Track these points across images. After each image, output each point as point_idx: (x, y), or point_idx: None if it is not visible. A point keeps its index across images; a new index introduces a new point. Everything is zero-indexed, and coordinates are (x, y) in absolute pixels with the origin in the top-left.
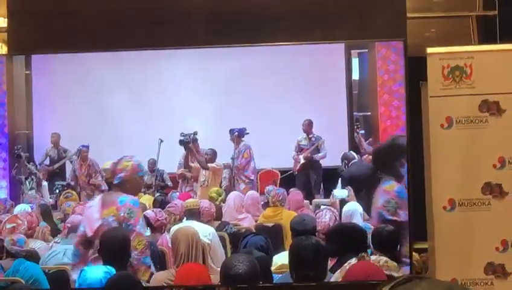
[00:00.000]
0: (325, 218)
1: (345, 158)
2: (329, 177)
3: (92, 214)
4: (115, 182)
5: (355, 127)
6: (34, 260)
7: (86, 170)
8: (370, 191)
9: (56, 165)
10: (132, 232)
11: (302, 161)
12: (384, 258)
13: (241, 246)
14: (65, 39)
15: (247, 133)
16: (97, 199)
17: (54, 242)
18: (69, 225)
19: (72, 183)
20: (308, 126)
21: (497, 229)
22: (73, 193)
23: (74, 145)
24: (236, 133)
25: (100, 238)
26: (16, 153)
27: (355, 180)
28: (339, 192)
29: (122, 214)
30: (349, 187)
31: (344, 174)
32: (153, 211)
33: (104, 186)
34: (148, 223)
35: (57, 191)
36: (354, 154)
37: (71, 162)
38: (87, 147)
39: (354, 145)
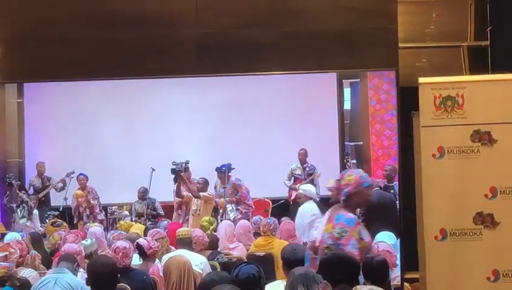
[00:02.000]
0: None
1: None
2: (323, 207)
3: (321, 225)
4: (342, 198)
5: (345, 160)
6: (25, 289)
7: (85, 197)
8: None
9: (41, 194)
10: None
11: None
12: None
13: (233, 275)
14: (57, 68)
15: (233, 169)
16: (328, 211)
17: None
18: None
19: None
20: (303, 155)
21: (489, 259)
22: (63, 221)
23: (65, 173)
24: (225, 169)
25: (87, 267)
26: (8, 181)
27: (375, 208)
28: None
29: (334, 233)
30: None
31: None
32: (145, 239)
33: (101, 216)
34: (142, 251)
35: (47, 220)
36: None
37: (56, 189)
38: (85, 175)
39: None
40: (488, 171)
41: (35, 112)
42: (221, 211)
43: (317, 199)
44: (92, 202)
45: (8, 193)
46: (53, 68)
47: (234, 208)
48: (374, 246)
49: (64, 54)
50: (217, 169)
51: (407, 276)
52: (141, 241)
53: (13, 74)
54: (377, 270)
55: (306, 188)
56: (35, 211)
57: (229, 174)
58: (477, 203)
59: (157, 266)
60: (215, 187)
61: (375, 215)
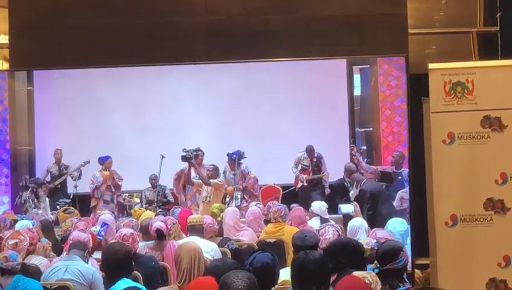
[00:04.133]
0: (328, 235)
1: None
2: (332, 192)
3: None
4: None
5: (350, 148)
6: (36, 276)
7: (111, 176)
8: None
9: (57, 182)
10: None
11: (305, 184)
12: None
13: (247, 263)
14: (67, 55)
15: (245, 157)
16: None
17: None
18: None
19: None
20: (310, 152)
21: (499, 245)
22: (74, 209)
23: (76, 160)
24: (235, 156)
25: (103, 254)
26: (24, 185)
27: (376, 197)
28: (345, 207)
29: None
30: (355, 203)
31: (365, 188)
32: (162, 221)
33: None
34: (161, 234)
35: (58, 207)
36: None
37: (72, 177)
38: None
39: (355, 162)
40: (498, 156)
41: (45, 100)
42: (227, 199)
43: (326, 217)
44: (119, 183)
45: (20, 193)
46: (63, 56)
47: (241, 196)
48: (372, 233)
49: (73, 41)
50: (228, 155)
51: (418, 262)
52: (161, 225)
53: (23, 61)
54: (391, 255)
55: (317, 206)
56: (46, 199)
57: (240, 161)
58: (488, 189)
59: (172, 243)
60: (224, 172)
61: (379, 204)
